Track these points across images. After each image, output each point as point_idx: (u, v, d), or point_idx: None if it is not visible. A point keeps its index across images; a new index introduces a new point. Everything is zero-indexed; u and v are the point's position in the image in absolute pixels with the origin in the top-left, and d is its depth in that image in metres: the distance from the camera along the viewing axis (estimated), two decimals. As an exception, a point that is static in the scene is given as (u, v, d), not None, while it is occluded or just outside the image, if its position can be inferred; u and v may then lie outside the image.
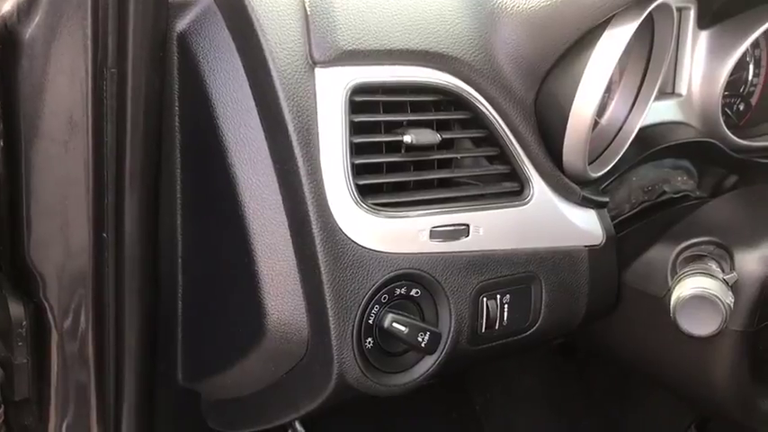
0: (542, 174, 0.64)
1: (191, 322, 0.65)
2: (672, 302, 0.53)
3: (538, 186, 0.64)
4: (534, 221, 0.63)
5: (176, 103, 0.59)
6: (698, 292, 0.51)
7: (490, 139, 0.61)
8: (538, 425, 1.28)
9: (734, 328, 0.58)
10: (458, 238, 0.59)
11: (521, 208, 0.63)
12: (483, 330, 0.61)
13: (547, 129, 0.63)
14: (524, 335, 0.65)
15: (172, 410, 0.71)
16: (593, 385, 1.23)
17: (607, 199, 0.69)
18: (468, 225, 0.60)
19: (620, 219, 0.74)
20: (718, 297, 0.50)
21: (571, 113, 0.60)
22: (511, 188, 0.63)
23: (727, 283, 0.53)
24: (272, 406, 0.63)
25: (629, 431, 1.26)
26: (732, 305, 0.52)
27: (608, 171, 0.71)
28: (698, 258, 0.62)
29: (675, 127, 0.78)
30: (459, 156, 0.62)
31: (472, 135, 0.61)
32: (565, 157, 0.64)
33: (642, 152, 0.74)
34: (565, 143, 0.63)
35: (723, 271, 0.59)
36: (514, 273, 0.63)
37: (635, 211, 0.75)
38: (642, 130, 0.74)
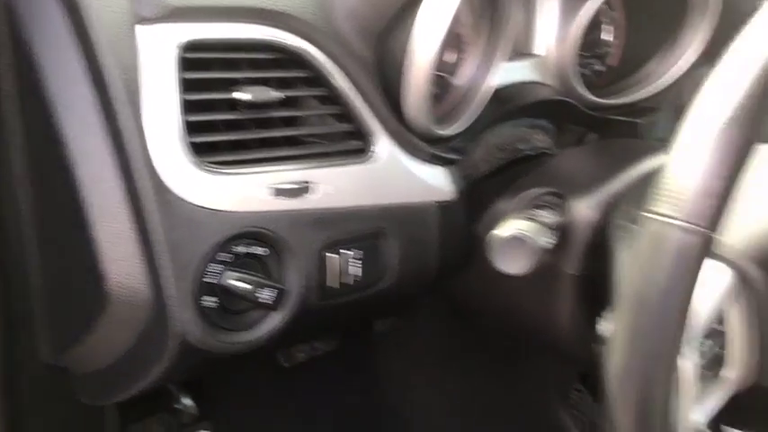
0: (388, 131, 0.65)
1: (45, 296, 0.64)
2: (488, 243, 0.54)
3: (384, 144, 0.65)
4: (381, 178, 0.64)
5: (10, 72, 0.58)
6: (509, 232, 0.52)
7: (333, 97, 0.62)
8: (439, 389, 1.30)
9: (569, 272, 0.61)
10: (301, 196, 0.60)
11: (367, 165, 0.64)
12: (333, 286, 0.62)
13: (388, 86, 0.64)
14: (378, 289, 0.66)
15: (42, 389, 0.70)
16: (491, 349, 1.25)
17: (456, 156, 0.70)
18: (311, 182, 0.60)
19: (478, 177, 0.76)
20: (528, 236, 0.51)
21: (406, 69, 0.61)
22: (356, 146, 0.64)
23: (550, 227, 0.55)
24: (127, 374, 0.63)
25: (524, 390, 1.30)
26: (549, 245, 0.54)
27: (464, 130, 0.73)
28: (536, 207, 0.64)
29: (532, 87, 0.80)
30: (302, 114, 0.62)
31: (314, 93, 0.62)
32: (407, 115, 0.65)
33: (498, 112, 0.76)
34: (405, 100, 0.64)
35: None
36: (363, 228, 0.63)
37: (491, 169, 0.76)
38: (499, 90, 0.76)
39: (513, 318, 0.71)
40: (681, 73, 0.85)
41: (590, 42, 0.85)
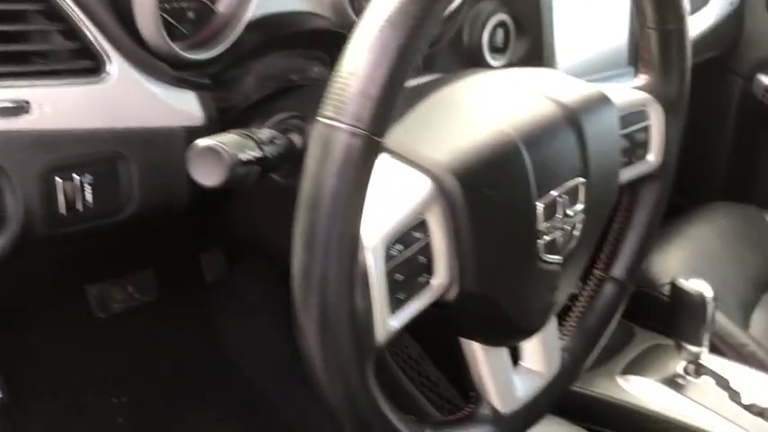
0: (123, 52, 0.63)
1: None
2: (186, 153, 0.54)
3: (118, 64, 0.63)
4: (116, 100, 0.63)
5: None
6: (205, 143, 0.52)
7: (54, 12, 0.60)
8: (276, 336, 1.30)
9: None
10: (19, 115, 0.57)
11: (98, 86, 0.62)
12: (63, 212, 0.60)
13: (120, 7, 0.62)
14: (118, 217, 0.64)
15: None
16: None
17: (208, 81, 0.69)
18: (30, 102, 0.58)
19: (246, 105, 0.75)
20: (223, 148, 0.51)
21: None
22: (86, 65, 0.62)
23: (263, 142, 0.56)
24: None
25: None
26: (251, 160, 0.54)
27: (231, 58, 0.72)
28: (284, 131, 0.64)
29: (305, 16, 0.80)
30: (19, 28, 0.60)
31: (31, 8, 0.59)
32: (144, 37, 0.63)
33: (267, 39, 0.75)
34: (138, 22, 0.62)
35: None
36: (95, 152, 0.62)
37: (260, 98, 0.76)
38: (269, 17, 0.75)
39: (272, 244, 0.71)
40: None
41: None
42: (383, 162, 0.55)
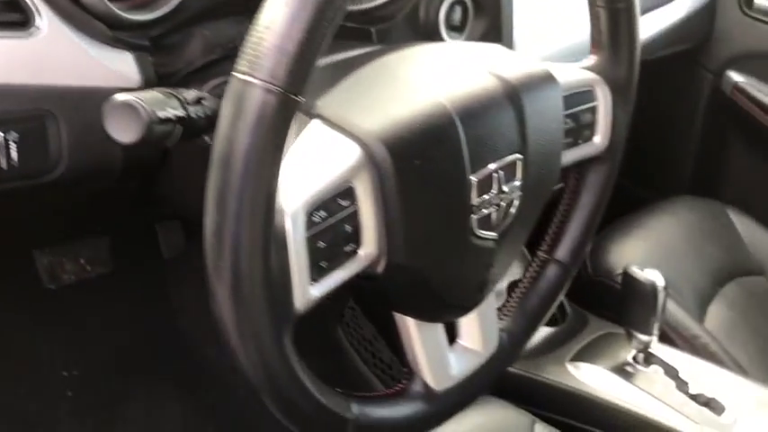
0: (53, 7, 0.61)
1: None
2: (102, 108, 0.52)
3: (48, 19, 0.61)
4: (45, 56, 0.61)
5: None
6: (123, 98, 0.51)
7: None
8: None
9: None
10: None
11: (26, 40, 0.60)
12: None
13: None
14: (47, 177, 0.63)
15: None
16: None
17: (147, 43, 0.68)
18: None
19: (189, 71, 0.73)
20: (141, 104, 0.50)
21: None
22: (13, 18, 0.60)
23: (184, 101, 0.54)
24: None
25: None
26: (171, 118, 0.52)
27: (172, 21, 0.70)
28: (217, 95, 0.62)
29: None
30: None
31: None
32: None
33: (212, 3, 0.74)
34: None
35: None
36: (22, 108, 0.60)
37: (204, 64, 0.74)
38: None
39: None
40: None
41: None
42: (313, 128, 0.54)
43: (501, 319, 0.75)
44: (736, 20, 1.58)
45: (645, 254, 1.30)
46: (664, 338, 1.15)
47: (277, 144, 0.44)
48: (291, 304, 0.50)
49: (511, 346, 0.74)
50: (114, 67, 0.65)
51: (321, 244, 0.51)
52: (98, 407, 1.23)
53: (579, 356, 1.08)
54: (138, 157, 0.67)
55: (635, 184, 1.73)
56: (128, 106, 0.50)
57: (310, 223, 0.50)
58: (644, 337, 1.02)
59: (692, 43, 1.58)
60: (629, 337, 1.03)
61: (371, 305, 1.16)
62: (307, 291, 0.50)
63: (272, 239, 0.47)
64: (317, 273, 0.51)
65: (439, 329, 0.67)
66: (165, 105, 0.52)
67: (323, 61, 0.64)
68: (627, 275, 1.02)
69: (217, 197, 0.45)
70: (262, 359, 0.49)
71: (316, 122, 0.55)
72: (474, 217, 0.59)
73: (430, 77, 0.60)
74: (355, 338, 1.21)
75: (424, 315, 0.64)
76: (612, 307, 1.16)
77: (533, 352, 1.11)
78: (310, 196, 0.50)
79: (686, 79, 1.66)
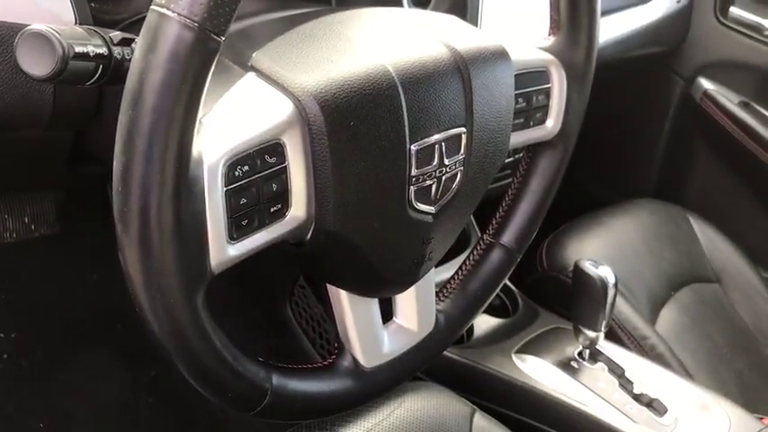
0: None
1: None
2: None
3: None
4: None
5: None
6: (36, 28, 0.48)
7: None
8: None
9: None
10: None
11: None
12: None
13: None
14: None
15: None
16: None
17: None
18: None
19: (135, 20, 0.70)
20: (57, 36, 0.47)
21: None
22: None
23: (110, 41, 0.51)
24: None
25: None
26: (89, 54, 0.49)
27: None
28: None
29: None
30: None
31: None
32: None
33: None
34: None
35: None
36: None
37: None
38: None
39: None
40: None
41: None
42: (246, 81, 0.52)
43: (441, 300, 0.73)
44: (711, 27, 1.58)
45: (600, 251, 1.29)
46: (612, 337, 1.15)
47: (193, 85, 0.42)
48: (205, 262, 0.47)
49: (447, 328, 0.72)
50: (46, 5, 0.62)
51: (243, 200, 0.48)
52: (35, 372, 1.19)
53: (525, 349, 1.07)
54: (68, 102, 0.64)
55: (599, 186, 1.73)
56: (40, 37, 0.47)
57: (231, 177, 0.47)
58: (591, 333, 1.01)
59: (666, 47, 1.58)
60: (577, 332, 1.02)
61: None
62: (223, 249, 0.48)
63: (186, 189, 0.44)
64: (236, 231, 0.49)
65: (373, 305, 0.65)
66: (87, 42, 0.49)
67: (268, 16, 0.62)
68: (578, 269, 1.00)
69: (125, 136, 0.42)
70: (171, 318, 0.47)
71: (250, 75, 0.53)
72: (412, 188, 0.57)
73: (376, 40, 0.57)
74: (303, 318, 1.19)
75: (357, 288, 0.62)
76: (564, 302, 1.15)
77: (480, 341, 1.10)
78: (232, 147, 0.47)
79: (657, 83, 1.65)
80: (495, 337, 1.10)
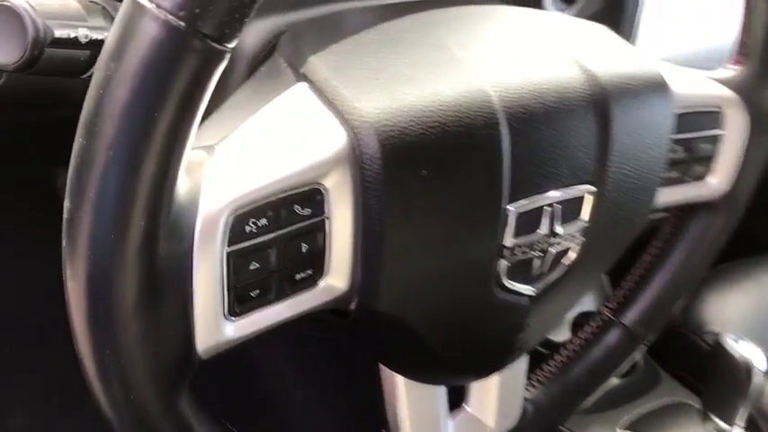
0: None
1: None
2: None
3: None
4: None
5: None
6: (9, 2, 0.35)
7: None
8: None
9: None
10: None
11: None
12: None
13: None
14: None
15: None
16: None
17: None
18: None
19: None
20: (30, 15, 0.34)
21: None
22: None
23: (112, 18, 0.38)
24: None
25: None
26: (72, 40, 0.36)
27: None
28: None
29: None
30: None
31: None
32: None
33: None
34: None
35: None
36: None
37: None
38: None
39: None
40: None
41: None
42: (292, 95, 0.38)
43: (532, 385, 0.57)
44: None
45: (750, 316, 1.06)
46: (754, 429, 0.94)
47: (178, 110, 0.28)
48: (188, 346, 0.34)
49: (536, 424, 0.56)
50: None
51: (254, 265, 0.34)
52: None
53: (636, 426, 0.88)
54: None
55: (757, 222, 1.46)
56: (9, 12, 0.35)
57: (239, 233, 0.34)
58: (723, 425, 0.81)
59: None
60: (705, 417, 0.83)
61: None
62: (217, 328, 0.35)
63: (163, 247, 0.31)
64: (239, 305, 0.35)
65: (437, 389, 0.50)
66: (78, 22, 0.36)
67: (338, 5, 0.47)
68: (719, 345, 0.81)
69: (73, 174, 0.29)
70: (138, 422, 0.34)
71: (300, 87, 0.38)
72: (503, 262, 0.41)
73: (477, 52, 0.41)
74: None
75: (417, 375, 0.47)
76: (696, 371, 0.95)
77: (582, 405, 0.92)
78: (246, 193, 0.33)
79: None
80: (599, 402, 0.92)
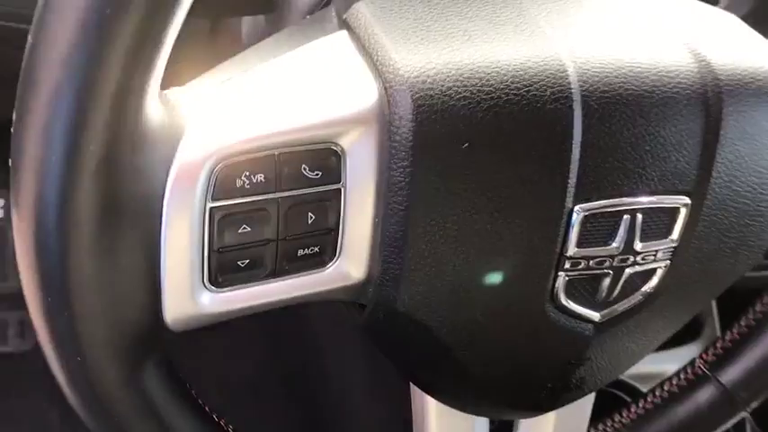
0: None
1: None
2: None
3: None
4: None
5: None
6: None
7: None
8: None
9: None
10: None
11: None
12: None
13: None
14: None
15: None
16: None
17: None
18: None
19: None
20: None
21: None
22: None
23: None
24: None
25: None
26: None
27: None
28: None
29: None
30: None
31: None
32: None
33: None
34: None
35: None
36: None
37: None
38: None
39: None
40: None
41: None
42: (330, 41, 0.32)
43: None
44: None
45: None
46: None
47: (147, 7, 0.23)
48: (156, 318, 0.29)
49: None
50: None
51: (244, 228, 0.29)
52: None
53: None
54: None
55: None
56: None
57: (228, 187, 0.28)
58: None
59: None
60: None
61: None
62: (192, 297, 0.29)
63: (123, 196, 0.26)
64: (222, 273, 0.30)
65: (474, 422, 0.42)
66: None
67: None
68: None
69: (21, 82, 0.25)
70: (98, 401, 0.30)
71: (341, 34, 0.33)
72: (562, 276, 0.34)
73: (559, 17, 0.34)
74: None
75: (447, 399, 0.40)
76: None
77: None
78: (243, 140, 0.28)
79: None
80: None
